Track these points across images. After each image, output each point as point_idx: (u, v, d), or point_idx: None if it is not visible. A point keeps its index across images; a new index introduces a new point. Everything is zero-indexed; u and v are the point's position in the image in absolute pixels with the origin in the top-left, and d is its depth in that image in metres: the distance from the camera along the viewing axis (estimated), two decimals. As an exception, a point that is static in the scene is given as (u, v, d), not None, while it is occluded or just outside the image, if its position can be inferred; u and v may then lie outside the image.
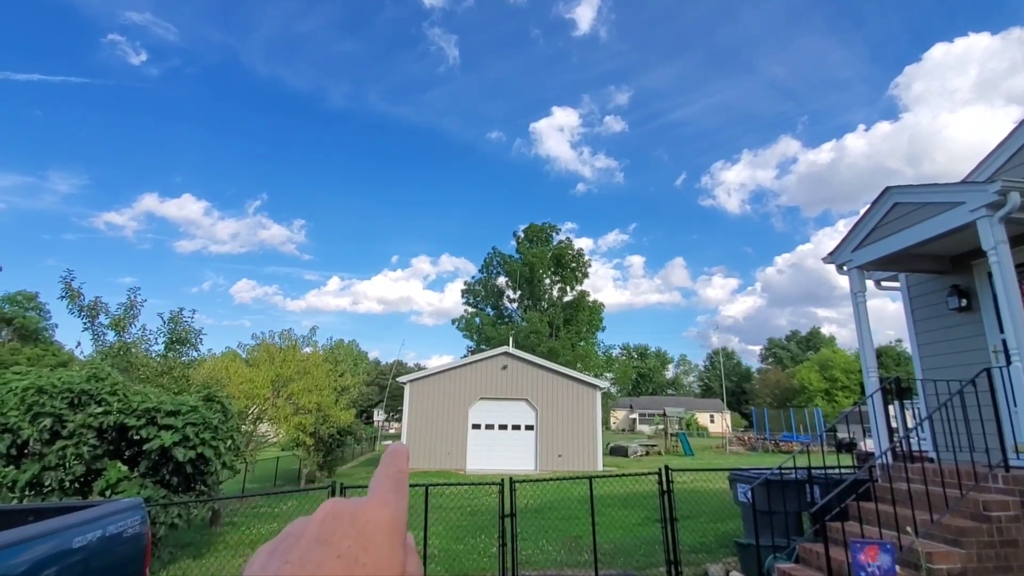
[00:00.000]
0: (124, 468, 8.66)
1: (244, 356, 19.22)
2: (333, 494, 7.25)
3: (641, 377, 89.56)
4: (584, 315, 47.36)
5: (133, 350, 13.51)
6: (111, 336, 13.55)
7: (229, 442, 9.78)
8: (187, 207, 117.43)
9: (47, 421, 8.13)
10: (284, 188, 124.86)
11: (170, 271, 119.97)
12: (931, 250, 7.22)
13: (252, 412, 15.88)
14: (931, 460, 6.79)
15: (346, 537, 0.36)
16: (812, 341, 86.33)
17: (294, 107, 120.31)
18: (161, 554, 8.73)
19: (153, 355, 14.06)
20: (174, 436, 8.51)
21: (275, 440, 18.63)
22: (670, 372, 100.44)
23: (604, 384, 28.43)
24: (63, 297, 13.24)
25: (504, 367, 25.63)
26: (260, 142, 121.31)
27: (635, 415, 69.18)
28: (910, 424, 8.16)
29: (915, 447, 6.97)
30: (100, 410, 8.57)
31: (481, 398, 25.21)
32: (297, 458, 22.34)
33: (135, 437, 8.59)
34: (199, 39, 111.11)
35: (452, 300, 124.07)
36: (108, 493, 8.13)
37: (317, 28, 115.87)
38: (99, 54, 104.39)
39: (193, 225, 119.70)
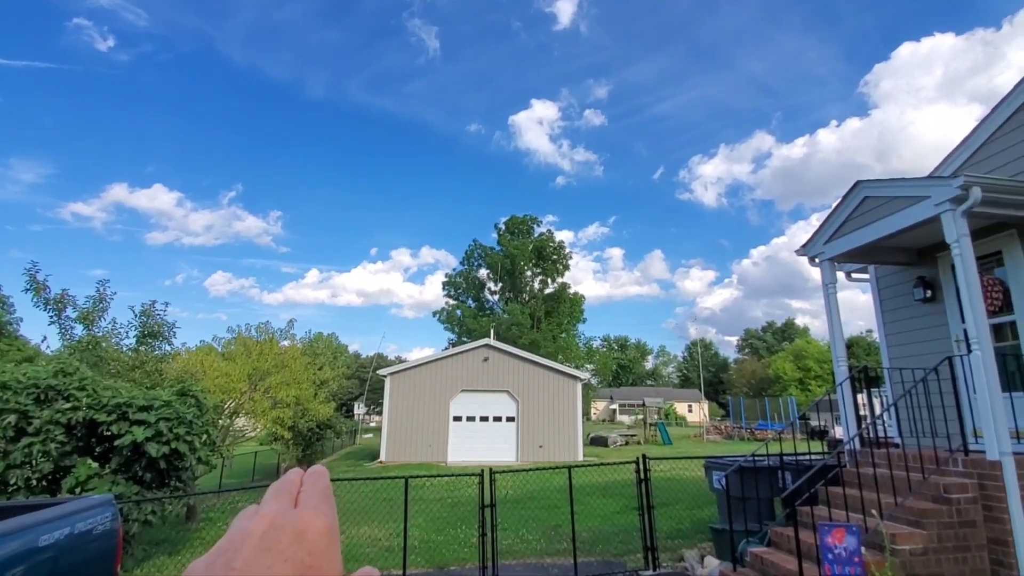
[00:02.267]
0: (94, 465, 8.48)
1: (220, 350, 18.90)
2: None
3: (621, 368, 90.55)
4: (565, 307, 47.61)
5: (103, 344, 13.19)
6: (79, 330, 13.21)
7: (204, 437, 9.63)
8: (158, 198, 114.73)
9: (11, 418, 7.90)
10: (260, 179, 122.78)
11: (142, 264, 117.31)
12: (899, 243, 7.42)
13: (228, 406, 15.64)
14: (896, 445, 7.03)
15: (290, 544, 0.39)
16: (787, 332, 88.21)
17: (271, 96, 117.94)
18: (135, 551, 8.59)
19: (124, 349, 13.75)
20: (147, 431, 8.35)
21: (253, 434, 18.39)
22: (650, 363, 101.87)
23: (585, 375, 28.66)
24: (28, 290, 12.85)
25: (485, 359, 25.66)
26: (235, 132, 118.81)
27: (615, 406, 69.98)
28: (878, 411, 8.42)
29: (882, 433, 7.20)
30: (68, 406, 8.36)
31: (462, 390, 25.23)
32: (276, 452, 22.13)
33: (106, 433, 8.41)
34: (172, 25, 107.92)
35: (433, 293, 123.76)
36: (78, 491, 7.95)
37: (297, 16, 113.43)
38: (65, 39, 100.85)
39: (165, 216, 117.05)
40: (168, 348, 14.82)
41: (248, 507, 0.44)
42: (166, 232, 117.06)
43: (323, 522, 0.42)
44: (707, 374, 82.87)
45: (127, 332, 13.87)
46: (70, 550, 4.14)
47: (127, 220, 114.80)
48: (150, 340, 14.06)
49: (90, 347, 12.83)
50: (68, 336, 13.16)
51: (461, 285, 50.48)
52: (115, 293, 13.77)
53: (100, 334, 13.34)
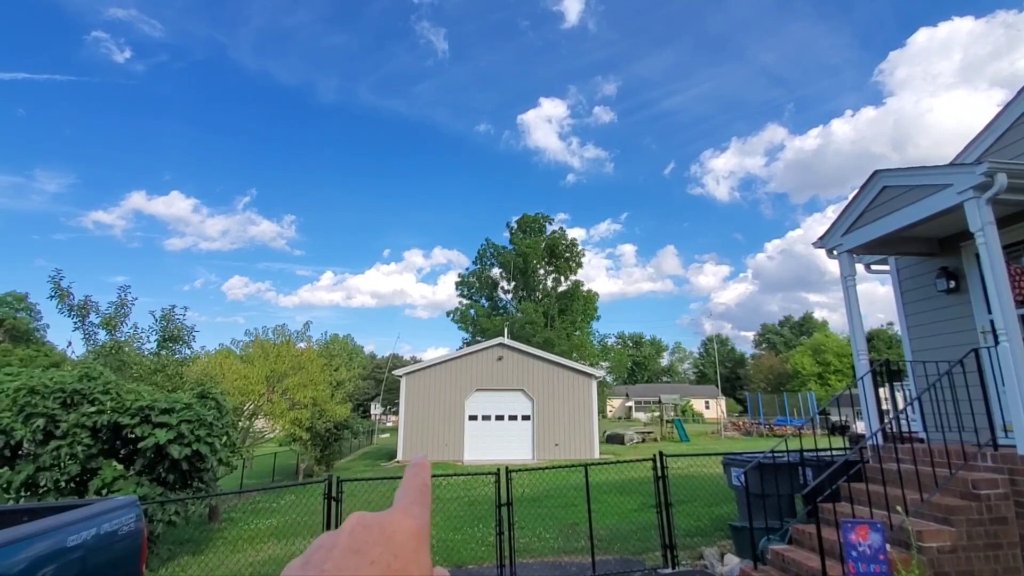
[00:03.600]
0: (119, 467, 8.65)
1: (238, 353, 19.17)
2: (329, 488, 7.28)
3: (636, 365, 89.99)
4: (579, 305, 47.42)
5: (126, 348, 13.45)
6: (102, 335, 13.48)
7: (225, 438, 9.77)
8: (175, 204, 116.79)
9: (40, 421, 8.09)
10: (273, 183, 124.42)
11: (161, 269, 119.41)
12: (920, 233, 7.25)
13: (247, 408, 15.86)
14: (921, 440, 6.87)
15: (377, 545, 0.39)
16: (805, 326, 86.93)
17: (283, 101, 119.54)
18: (160, 551, 8.75)
19: (146, 353, 14.00)
20: (169, 434, 8.49)
21: (272, 436, 18.65)
22: (665, 360, 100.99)
23: (600, 373, 28.53)
24: (53, 297, 13.15)
25: (500, 358, 25.68)
26: (249, 137, 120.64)
27: (631, 403, 69.60)
28: (901, 406, 8.25)
29: (905, 428, 7.05)
30: (93, 409, 8.53)
31: (477, 389, 25.27)
32: (294, 453, 22.38)
33: (130, 436, 8.57)
34: (185, 34, 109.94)
35: (446, 292, 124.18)
36: (104, 492, 8.11)
37: (306, 21, 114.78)
38: (83, 52, 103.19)
39: (182, 222, 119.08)
40: (188, 352, 15.07)
41: None
42: (184, 238, 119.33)
43: (412, 524, 0.42)
44: (724, 370, 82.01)
45: (148, 336, 14.15)
46: (97, 550, 4.22)
47: (146, 227, 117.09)
48: (170, 344, 14.30)
49: (113, 352, 13.09)
50: (92, 341, 13.44)
51: (474, 284, 50.54)
52: (136, 299, 14.06)
53: (122, 339, 13.60)
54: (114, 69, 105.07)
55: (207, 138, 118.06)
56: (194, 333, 14.83)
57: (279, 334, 19.38)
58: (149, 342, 14.19)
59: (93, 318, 13.45)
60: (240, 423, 14.92)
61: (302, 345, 19.64)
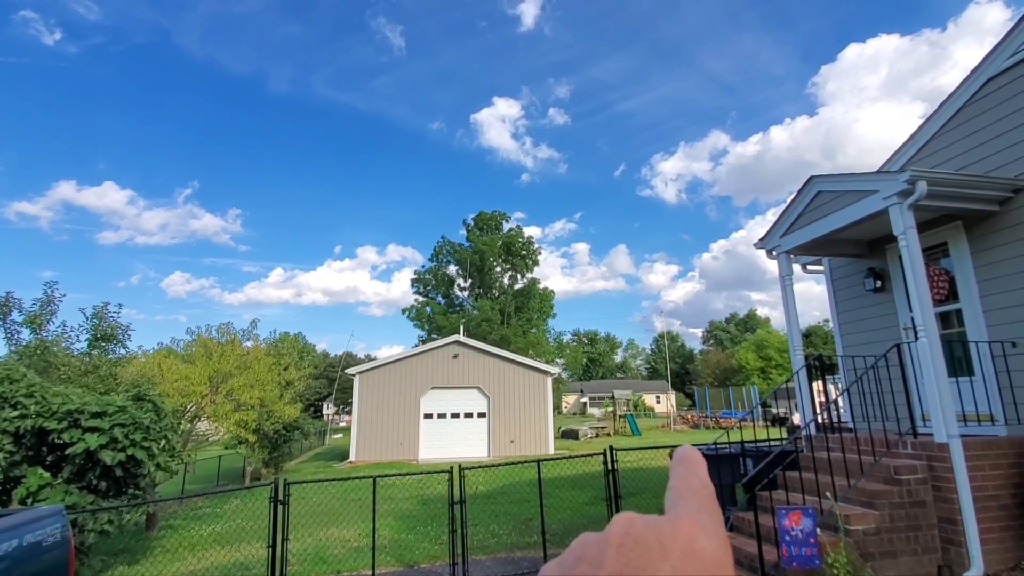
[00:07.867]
0: (46, 475, 8.11)
1: (180, 352, 18.31)
2: (276, 491, 7.06)
3: (591, 362, 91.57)
4: (535, 302, 47.80)
5: (53, 348, 12.61)
6: (26, 334, 12.59)
7: (163, 442, 9.33)
8: (109, 195, 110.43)
9: (-46, 428, 7.48)
10: (217, 176, 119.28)
11: (93, 264, 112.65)
12: (851, 235, 7.72)
13: (189, 410, 15.18)
14: (850, 430, 7.33)
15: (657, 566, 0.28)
16: (749, 323, 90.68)
17: (231, 91, 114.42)
18: (92, 562, 8.28)
19: (75, 353, 13.17)
20: (100, 438, 8.03)
21: (216, 438, 17.90)
22: (619, 356, 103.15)
23: (555, 370, 28.85)
24: (-31, 293, 12.17)
25: (455, 356, 25.57)
26: (191, 127, 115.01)
27: (585, 399, 70.74)
28: (833, 397, 8.75)
29: (836, 419, 7.50)
30: (16, 414, 7.98)
31: (433, 387, 25.08)
32: (241, 456, 21.58)
33: (57, 441, 8.05)
34: (125, 16, 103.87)
35: (400, 290, 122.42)
36: (29, 501, 7.60)
37: (257, 9, 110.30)
38: (10, 31, 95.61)
39: (116, 215, 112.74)
40: (123, 351, 14.27)
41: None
42: (118, 231, 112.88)
43: (708, 545, 0.29)
44: (674, 366, 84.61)
45: (78, 336, 13.31)
46: (21, 562, 3.96)
47: (76, 219, 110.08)
48: (103, 343, 13.51)
49: (38, 352, 12.25)
50: (15, 341, 12.53)
51: (430, 282, 50.10)
52: (64, 295, 13.19)
53: (49, 338, 12.74)
54: (44, 51, 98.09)
55: (145, 126, 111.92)
56: (130, 332, 14.09)
57: (223, 332, 18.61)
58: (79, 342, 13.36)
59: (16, 316, 12.54)
60: (181, 426, 14.26)
61: (248, 344, 18.95)
